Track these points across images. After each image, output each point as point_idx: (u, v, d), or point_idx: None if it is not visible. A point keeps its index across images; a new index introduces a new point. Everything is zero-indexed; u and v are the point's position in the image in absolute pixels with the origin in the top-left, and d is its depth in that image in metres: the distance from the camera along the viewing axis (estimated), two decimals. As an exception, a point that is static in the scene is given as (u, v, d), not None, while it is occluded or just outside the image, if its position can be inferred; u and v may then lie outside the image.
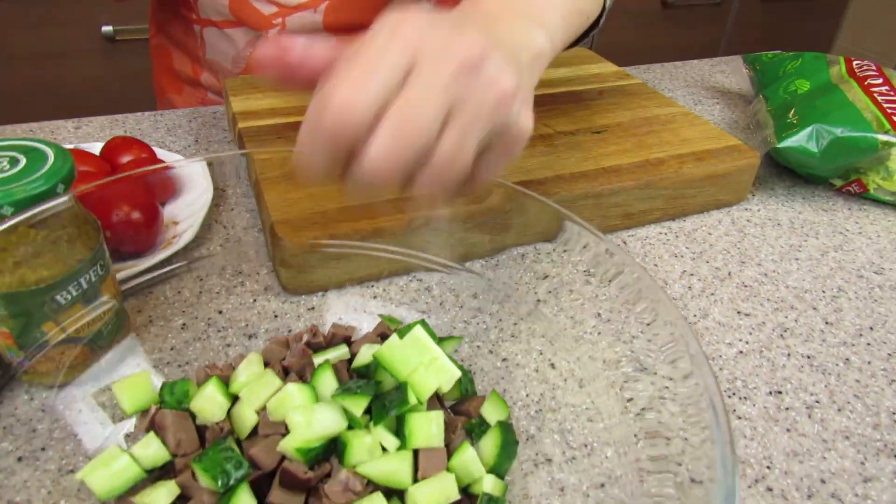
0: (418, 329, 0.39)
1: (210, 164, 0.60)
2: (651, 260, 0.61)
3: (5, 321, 0.40)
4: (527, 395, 0.46)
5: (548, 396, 0.46)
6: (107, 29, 1.48)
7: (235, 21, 0.86)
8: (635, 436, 0.41)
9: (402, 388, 0.37)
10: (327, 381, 0.38)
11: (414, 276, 0.56)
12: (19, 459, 0.40)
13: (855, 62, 0.78)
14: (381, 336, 0.44)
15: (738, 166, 0.66)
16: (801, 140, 0.68)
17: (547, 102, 0.75)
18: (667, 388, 0.40)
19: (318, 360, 0.41)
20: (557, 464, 0.42)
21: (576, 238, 0.47)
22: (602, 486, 0.41)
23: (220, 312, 0.51)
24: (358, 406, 0.36)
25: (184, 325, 0.50)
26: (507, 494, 0.39)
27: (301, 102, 0.72)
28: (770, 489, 0.43)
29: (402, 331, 0.39)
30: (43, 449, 0.41)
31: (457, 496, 0.35)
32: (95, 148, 0.64)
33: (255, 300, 0.53)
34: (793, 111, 0.73)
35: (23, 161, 0.39)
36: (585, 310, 0.49)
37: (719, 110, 0.90)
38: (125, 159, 0.61)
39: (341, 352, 0.42)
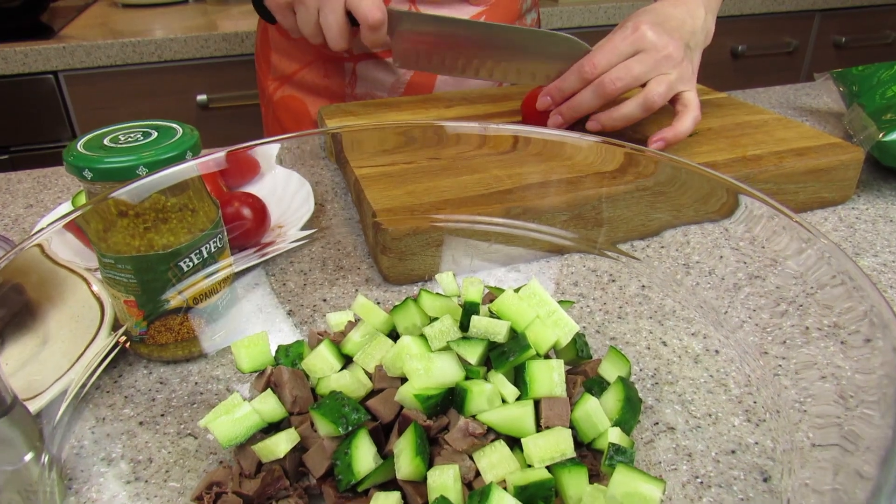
0: (535, 282, 0.38)
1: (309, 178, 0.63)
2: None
3: (132, 288, 0.41)
4: (640, 370, 0.44)
5: (663, 371, 0.44)
6: (201, 97, 1.59)
7: None
8: (776, 409, 0.38)
9: (520, 337, 0.36)
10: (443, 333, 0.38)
11: (512, 266, 0.55)
12: (140, 424, 0.41)
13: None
14: (491, 302, 0.43)
15: (843, 160, 0.63)
16: (907, 133, 0.65)
17: (633, 114, 0.75)
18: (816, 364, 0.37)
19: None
20: (681, 431, 0.40)
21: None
22: (733, 452, 0.38)
23: (325, 300, 0.52)
24: (473, 353, 0.35)
25: (290, 311, 0.51)
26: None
27: (387, 121, 0.74)
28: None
29: (517, 289, 0.39)
30: (162, 415, 0.42)
31: (572, 452, 0.34)
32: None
33: (356, 290, 0.53)
34: (890, 114, 0.70)
35: (154, 134, 0.42)
36: (693, 293, 0.47)
37: (810, 126, 0.88)
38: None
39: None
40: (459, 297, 0.46)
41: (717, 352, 0.45)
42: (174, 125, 0.43)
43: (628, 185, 0.56)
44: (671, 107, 0.67)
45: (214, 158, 0.41)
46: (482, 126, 0.48)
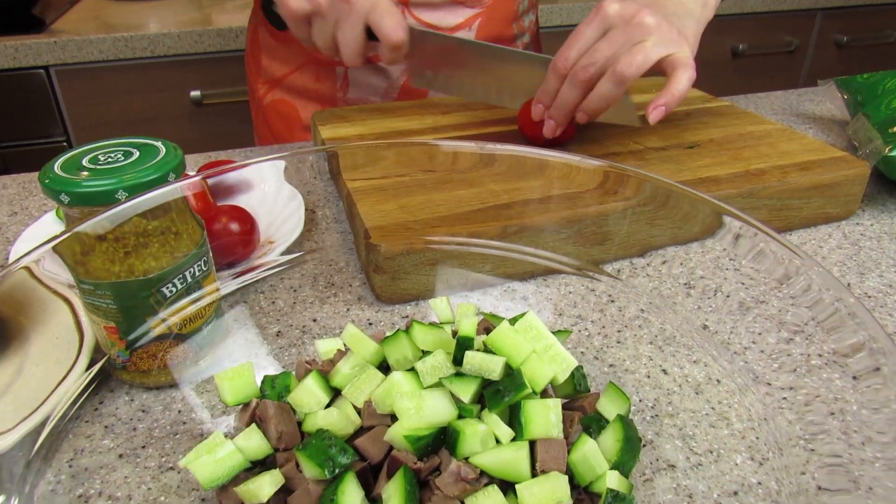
0: (531, 315, 0.37)
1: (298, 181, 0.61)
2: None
3: (113, 314, 0.40)
4: (640, 401, 0.43)
5: (663, 402, 0.43)
6: (195, 94, 1.56)
7: None
8: (777, 444, 0.37)
9: (515, 374, 0.34)
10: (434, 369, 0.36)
11: (507, 285, 0.54)
12: (120, 456, 0.39)
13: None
14: (486, 331, 0.42)
15: (847, 176, 0.62)
16: (914, 148, 0.63)
17: (634, 123, 0.73)
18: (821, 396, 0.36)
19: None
20: (682, 469, 0.38)
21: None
22: (735, 493, 0.37)
23: (315, 321, 0.50)
24: (467, 391, 0.34)
25: (279, 332, 0.49)
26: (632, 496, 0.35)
27: (382, 129, 0.73)
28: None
29: (512, 320, 0.37)
30: (143, 447, 0.40)
31: (569, 500, 0.32)
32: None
33: (348, 309, 0.52)
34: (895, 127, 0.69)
35: (136, 154, 0.40)
36: (693, 316, 0.46)
37: (812, 135, 0.87)
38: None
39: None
40: (454, 323, 0.44)
41: (718, 381, 0.44)
42: (157, 143, 0.41)
43: (629, 201, 0.54)
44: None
45: (198, 180, 0.39)
46: (479, 145, 0.46)
